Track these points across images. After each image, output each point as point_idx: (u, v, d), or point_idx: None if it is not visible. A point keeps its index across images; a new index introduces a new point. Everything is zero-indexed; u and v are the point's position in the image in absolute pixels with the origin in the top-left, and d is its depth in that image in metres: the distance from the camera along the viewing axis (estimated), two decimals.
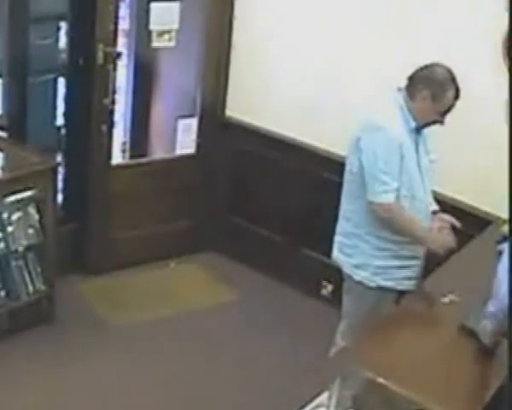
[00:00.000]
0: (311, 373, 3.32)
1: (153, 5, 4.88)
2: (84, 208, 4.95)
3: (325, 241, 3.88)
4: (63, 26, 4.69)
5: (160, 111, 5.47)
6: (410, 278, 3.60)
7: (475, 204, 4.22)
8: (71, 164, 4.91)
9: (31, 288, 4.33)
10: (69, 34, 4.68)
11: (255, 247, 5.21)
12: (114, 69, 4.76)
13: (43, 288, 4.37)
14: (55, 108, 4.84)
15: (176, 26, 4.96)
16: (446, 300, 3.23)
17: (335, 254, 3.74)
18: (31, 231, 4.27)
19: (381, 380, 2.65)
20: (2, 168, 4.27)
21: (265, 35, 4.96)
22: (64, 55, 4.75)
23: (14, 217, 4.20)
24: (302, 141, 4.91)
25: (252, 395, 4.04)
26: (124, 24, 5.02)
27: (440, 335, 3.11)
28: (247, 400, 4.01)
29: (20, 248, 4.26)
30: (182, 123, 5.34)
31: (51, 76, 4.77)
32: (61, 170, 4.73)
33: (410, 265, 3.59)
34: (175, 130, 5.34)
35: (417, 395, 2.61)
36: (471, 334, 2.93)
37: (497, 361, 2.84)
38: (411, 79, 3.49)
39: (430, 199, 3.65)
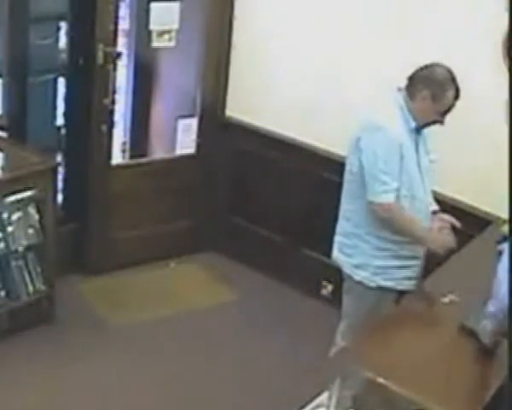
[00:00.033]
0: (311, 373, 3.32)
1: (153, 5, 4.88)
2: (84, 208, 4.95)
3: (325, 241, 3.88)
4: (63, 26, 4.69)
5: (160, 111, 5.47)
6: (409, 278, 3.60)
7: (475, 204, 4.22)
8: (71, 164, 4.91)
9: (31, 288, 4.33)
10: (69, 34, 4.68)
11: (255, 247, 5.21)
12: (114, 69, 4.76)
13: (43, 288, 4.37)
14: (55, 108, 4.84)
15: (176, 26, 4.96)
16: (446, 300, 3.23)
17: (335, 254, 3.74)
18: (31, 231, 4.27)
19: (381, 380, 2.65)
20: (2, 168, 4.27)
21: (265, 35, 4.96)
22: (64, 55, 4.75)
23: (14, 217, 4.20)
24: (302, 141, 4.91)
25: (252, 395, 4.04)
26: (124, 24, 5.02)
27: (440, 335, 3.11)
28: (247, 400, 4.01)
29: (20, 248, 4.26)
30: (182, 123, 5.34)
31: (51, 76, 4.77)
32: (61, 170, 4.73)
33: (410, 265, 3.60)
34: (175, 130, 5.34)
35: (417, 395, 2.61)
36: (471, 334, 2.93)
37: (497, 361, 2.84)
38: (411, 78, 3.49)
39: (430, 199, 3.65)
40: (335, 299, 4.12)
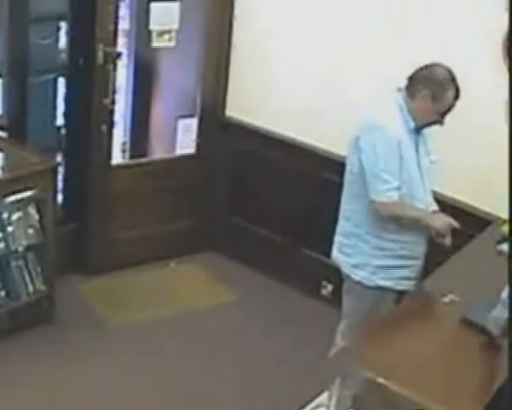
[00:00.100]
0: (311, 373, 3.32)
1: (153, 5, 4.88)
2: (84, 208, 4.95)
3: (325, 241, 3.88)
4: (63, 26, 4.69)
5: (160, 111, 5.47)
6: (409, 278, 3.61)
7: (475, 204, 4.22)
8: (71, 164, 4.91)
9: (31, 288, 4.33)
10: (69, 34, 4.68)
11: (255, 247, 5.21)
12: (114, 69, 4.76)
13: (43, 288, 4.37)
14: (55, 108, 4.84)
15: (176, 26, 4.96)
16: (446, 300, 3.23)
17: (335, 253, 3.74)
18: (31, 231, 4.27)
19: (381, 380, 2.66)
20: (2, 168, 4.27)
21: (265, 35, 4.96)
22: (64, 55, 4.75)
23: (14, 217, 4.19)
24: (302, 141, 4.91)
25: (252, 395, 4.04)
26: (124, 24, 5.02)
27: (440, 335, 3.11)
28: (247, 400, 4.01)
29: (20, 248, 4.26)
30: (182, 123, 5.34)
31: (51, 76, 4.77)
32: (61, 170, 4.73)
33: (410, 265, 3.60)
34: (175, 130, 5.34)
35: (417, 395, 2.61)
36: (475, 327, 2.94)
37: (498, 361, 2.84)
38: (411, 78, 3.49)
39: (430, 199, 3.66)
40: (335, 299, 4.12)
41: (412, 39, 4.29)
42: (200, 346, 4.47)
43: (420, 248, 3.61)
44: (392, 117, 3.48)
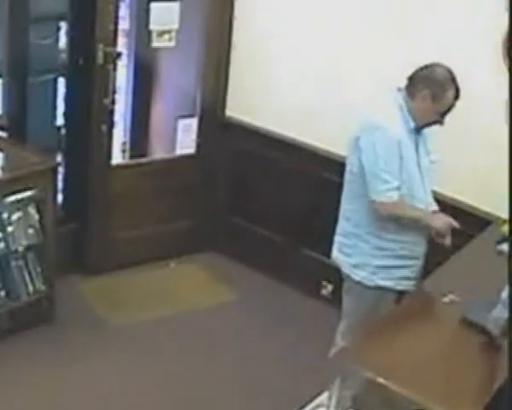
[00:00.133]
0: (311, 373, 3.32)
1: (153, 5, 4.88)
2: (84, 208, 4.95)
3: (325, 241, 3.88)
4: (63, 26, 4.69)
5: (160, 111, 5.47)
6: (409, 278, 3.61)
7: (475, 204, 4.22)
8: (71, 164, 4.91)
9: (31, 288, 4.33)
10: (69, 34, 4.68)
11: (255, 247, 5.21)
12: (114, 69, 4.76)
13: (43, 288, 4.37)
14: (55, 108, 4.84)
15: (176, 26, 4.96)
16: (446, 300, 3.23)
17: (335, 253, 3.74)
18: (31, 231, 4.27)
19: (381, 380, 2.66)
20: (2, 168, 4.27)
21: (265, 35, 4.96)
22: (64, 55, 4.75)
23: (14, 217, 4.19)
24: (302, 141, 4.91)
25: (252, 395, 4.04)
26: (124, 24, 5.02)
27: (440, 335, 3.11)
28: (247, 400, 4.01)
29: (20, 248, 4.26)
30: (182, 123, 5.34)
31: (51, 76, 4.77)
32: (61, 170, 4.73)
33: (410, 265, 3.60)
34: (175, 130, 5.34)
35: (417, 395, 2.61)
36: (475, 327, 2.95)
37: (498, 361, 2.84)
38: (411, 78, 3.50)
39: (430, 199, 3.66)
40: (335, 299, 4.12)
41: (412, 39, 4.29)
42: (200, 346, 4.47)
43: (420, 248, 3.61)
44: (392, 117, 3.48)
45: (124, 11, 4.99)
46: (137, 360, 4.29)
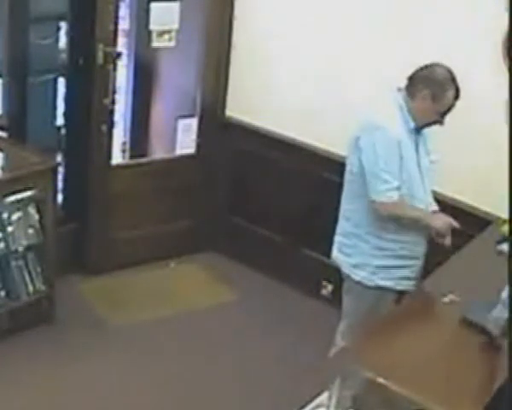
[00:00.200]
0: (311, 373, 3.32)
1: (153, 5, 4.88)
2: (84, 208, 4.95)
3: (325, 241, 3.88)
4: (63, 26, 4.69)
5: (160, 111, 5.47)
6: (409, 278, 3.61)
7: (475, 204, 4.22)
8: (71, 164, 4.91)
9: (31, 288, 4.32)
10: (69, 34, 4.68)
11: (255, 247, 5.21)
12: (114, 69, 4.76)
13: (43, 288, 4.37)
14: (55, 108, 4.84)
15: (176, 26, 4.96)
16: (446, 300, 3.23)
17: (335, 253, 3.74)
18: (31, 231, 4.27)
19: (381, 380, 2.66)
20: (2, 168, 4.27)
21: (265, 35, 4.96)
22: (64, 55, 4.75)
23: (14, 217, 4.19)
24: (302, 141, 4.91)
25: (252, 395, 4.04)
26: (124, 24, 5.02)
27: (440, 335, 3.11)
28: (247, 400, 4.01)
29: (20, 248, 4.26)
30: (182, 123, 5.34)
31: (51, 76, 4.77)
32: (61, 170, 4.73)
33: (410, 265, 3.60)
34: (175, 130, 5.34)
35: (417, 395, 2.61)
36: (475, 327, 2.95)
37: (498, 360, 2.84)
38: (411, 78, 3.50)
39: (430, 199, 3.66)
40: (335, 299, 4.12)
41: (412, 39, 4.29)
42: (200, 346, 4.47)
43: (420, 248, 3.61)
44: (392, 117, 3.48)
45: (124, 11, 4.99)
46: (137, 360, 4.29)
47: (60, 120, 4.87)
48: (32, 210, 4.25)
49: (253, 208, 5.27)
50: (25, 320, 4.30)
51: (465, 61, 3.87)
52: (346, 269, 3.66)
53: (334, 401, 2.75)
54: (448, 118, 3.50)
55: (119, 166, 5.09)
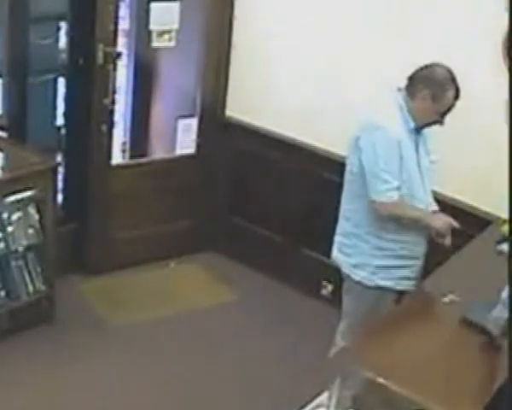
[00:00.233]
0: (311, 373, 3.32)
1: (153, 5, 4.88)
2: (84, 208, 4.95)
3: (325, 241, 3.88)
4: (63, 26, 4.69)
5: (160, 111, 5.47)
6: (409, 278, 3.61)
7: (475, 204, 4.22)
8: (71, 164, 4.91)
9: (31, 288, 4.32)
10: (69, 34, 4.68)
11: (255, 247, 5.21)
12: (114, 69, 4.76)
13: (43, 288, 4.37)
14: (55, 108, 4.84)
15: (176, 26, 4.96)
16: (446, 300, 3.23)
17: (335, 254, 3.74)
18: (31, 231, 4.27)
19: (381, 380, 2.66)
20: (2, 168, 4.27)
21: (265, 35, 4.96)
22: (64, 55, 4.75)
23: (14, 217, 4.19)
24: (302, 141, 4.91)
25: (252, 395, 4.04)
26: (124, 24, 5.02)
27: (440, 335, 3.11)
28: (247, 400, 4.01)
29: (20, 248, 4.26)
30: (182, 123, 5.34)
31: (51, 76, 4.77)
32: (61, 170, 4.73)
33: (410, 265, 3.60)
34: (175, 130, 5.34)
35: (417, 395, 2.61)
36: (475, 327, 2.95)
37: (498, 360, 2.84)
38: (411, 78, 3.50)
39: (430, 199, 3.66)
40: (335, 299, 4.12)
41: (412, 39, 4.29)
42: (200, 346, 4.47)
43: (420, 248, 3.61)
44: (392, 117, 3.48)
45: (124, 11, 4.99)
46: (137, 360, 4.29)
47: (60, 120, 4.87)
48: (31, 210, 4.25)
49: (253, 208, 5.27)
50: (25, 320, 4.30)
51: (465, 61, 3.87)
52: (346, 269, 3.66)
53: (334, 401, 2.75)
54: (448, 118, 3.50)
55: (119, 166, 5.09)
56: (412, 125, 3.49)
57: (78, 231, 4.94)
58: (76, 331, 4.43)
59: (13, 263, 4.25)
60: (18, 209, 4.20)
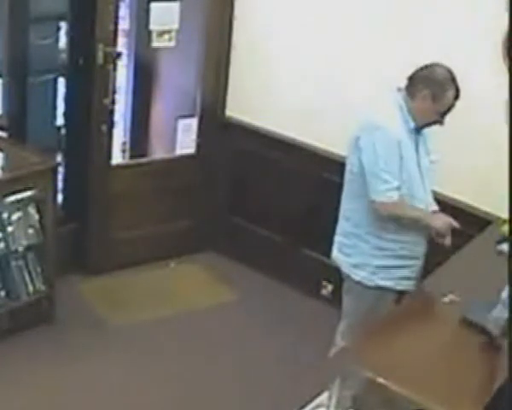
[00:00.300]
0: (311, 373, 3.33)
1: (153, 5, 4.88)
2: (84, 208, 4.95)
3: (325, 241, 3.88)
4: (63, 26, 4.69)
5: (160, 111, 5.47)
6: (408, 278, 3.61)
7: (475, 204, 4.22)
8: (71, 164, 4.91)
9: (31, 288, 4.32)
10: (69, 34, 4.68)
11: (255, 247, 5.21)
12: (114, 69, 4.76)
13: (43, 288, 4.37)
14: (55, 108, 4.84)
15: (176, 26, 4.96)
16: (446, 300, 3.23)
17: (335, 253, 3.74)
18: (31, 231, 4.27)
19: (381, 380, 2.66)
20: (2, 168, 4.27)
21: (265, 35, 4.96)
22: (64, 55, 4.75)
23: (14, 217, 4.19)
24: (302, 141, 4.91)
25: (252, 395, 4.04)
26: (124, 24, 5.02)
27: (440, 335, 3.11)
28: (247, 400, 4.01)
29: (20, 248, 4.26)
30: (182, 123, 5.33)
31: (51, 76, 4.77)
32: (61, 170, 4.73)
33: (410, 265, 3.60)
34: (175, 130, 5.34)
35: (417, 395, 2.61)
36: (475, 327, 2.95)
37: (498, 360, 2.84)
38: (411, 78, 3.50)
39: (430, 199, 3.66)
40: (335, 299, 4.12)
41: (412, 39, 4.29)
42: (200, 346, 4.47)
43: (420, 248, 3.61)
44: (392, 117, 3.48)
45: (124, 11, 4.99)
46: (137, 360, 4.29)
47: (60, 120, 4.87)
48: (32, 210, 4.25)
49: (253, 208, 5.27)
50: (25, 320, 4.30)
51: (465, 61, 3.87)
52: (346, 269, 3.66)
53: (334, 401, 2.75)
54: (448, 118, 3.50)
55: (119, 166, 5.09)
56: (412, 125, 3.49)
57: (78, 231, 4.94)
58: (76, 331, 4.43)
59: (13, 263, 4.25)
60: (18, 209, 4.20)
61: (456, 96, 3.45)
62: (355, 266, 3.61)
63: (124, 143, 5.32)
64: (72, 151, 4.90)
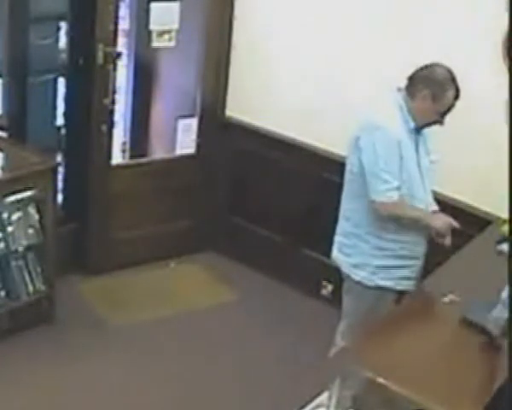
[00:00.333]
0: (311, 373, 3.33)
1: (153, 5, 4.88)
2: (84, 208, 4.95)
3: (325, 241, 3.88)
4: (63, 26, 4.69)
5: (160, 111, 5.47)
6: (409, 278, 3.61)
7: (475, 204, 4.22)
8: (71, 164, 4.91)
9: (31, 288, 4.32)
10: (69, 34, 4.68)
11: (255, 247, 5.21)
12: (114, 69, 4.76)
13: (43, 288, 4.37)
14: (55, 108, 4.84)
15: (176, 26, 4.96)
16: (446, 300, 3.23)
17: (335, 253, 3.74)
18: (31, 231, 4.27)
19: (381, 380, 2.66)
20: (2, 168, 4.27)
21: (265, 35, 4.96)
22: (64, 55, 4.75)
23: (14, 217, 4.19)
24: (302, 141, 4.91)
25: (252, 395, 4.04)
26: (124, 24, 5.02)
27: (440, 335, 3.11)
28: (247, 400, 4.01)
29: (20, 248, 4.26)
30: (182, 123, 5.33)
31: (51, 76, 4.77)
32: (61, 170, 4.73)
33: (410, 265, 3.60)
34: (175, 130, 5.34)
35: (417, 395, 2.61)
36: (475, 327, 2.95)
37: (497, 361, 2.84)
38: (411, 78, 3.50)
39: (430, 199, 3.66)
40: (335, 299, 4.12)
41: (412, 39, 4.29)
42: (200, 346, 4.47)
43: (420, 248, 3.61)
44: (392, 117, 3.48)
45: (124, 11, 4.99)
46: (137, 360, 4.29)
47: (60, 120, 4.87)
48: (32, 210, 4.25)
49: (253, 208, 5.27)
50: (25, 320, 4.30)
51: (465, 61, 3.87)
52: (346, 269, 3.66)
53: (334, 401, 2.75)
54: (448, 118, 3.51)
55: (119, 166, 5.09)
56: (412, 125, 3.49)
57: (78, 231, 4.94)
58: (76, 331, 4.43)
59: (13, 263, 4.25)
60: (18, 209, 4.20)
61: (456, 96, 3.45)
62: (355, 266, 3.61)
63: (124, 143, 5.32)
64: (72, 151, 4.90)
